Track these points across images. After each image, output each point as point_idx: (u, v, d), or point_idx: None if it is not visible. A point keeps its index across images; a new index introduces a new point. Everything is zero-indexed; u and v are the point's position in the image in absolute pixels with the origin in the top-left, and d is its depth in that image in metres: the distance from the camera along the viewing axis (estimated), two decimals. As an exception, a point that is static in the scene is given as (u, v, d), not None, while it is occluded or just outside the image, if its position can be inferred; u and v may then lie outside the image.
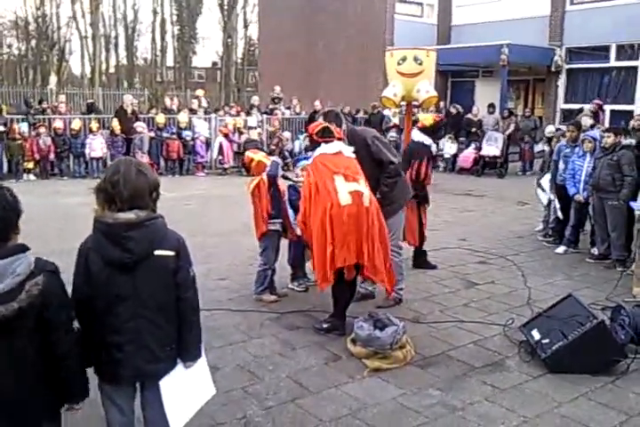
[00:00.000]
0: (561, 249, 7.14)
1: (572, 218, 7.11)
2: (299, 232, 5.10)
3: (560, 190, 7.31)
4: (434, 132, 6.11)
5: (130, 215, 2.35)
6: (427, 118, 6.28)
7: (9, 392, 2.13)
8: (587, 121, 8.87)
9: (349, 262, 4.28)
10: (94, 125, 13.80)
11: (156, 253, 2.38)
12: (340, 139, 4.55)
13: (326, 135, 4.51)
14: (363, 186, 4.35)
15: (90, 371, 2.44)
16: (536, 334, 4.20)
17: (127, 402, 2.56)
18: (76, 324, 2.30)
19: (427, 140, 6.09)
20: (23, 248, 2.15)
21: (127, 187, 2.35)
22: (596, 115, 13.67)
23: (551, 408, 3.48)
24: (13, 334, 2.11)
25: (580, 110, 14.34)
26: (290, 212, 5.24)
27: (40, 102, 15.42)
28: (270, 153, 11.85)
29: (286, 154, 14.88)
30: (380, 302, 5.16)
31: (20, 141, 12.93)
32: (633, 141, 6.83)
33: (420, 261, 6.40)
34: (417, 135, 6.17)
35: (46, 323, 2.17)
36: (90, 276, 2.37)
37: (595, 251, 6.85)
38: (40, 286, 2.11)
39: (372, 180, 4.54)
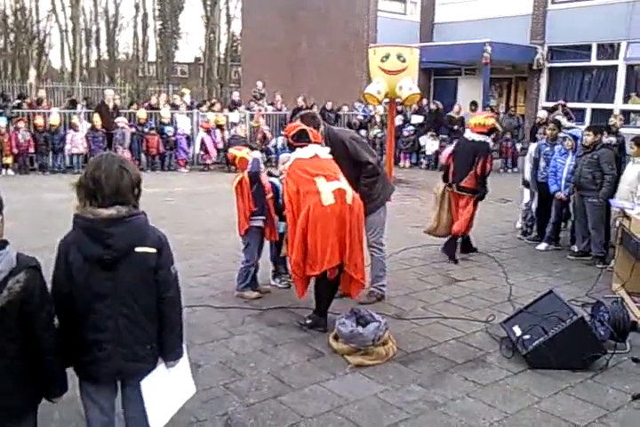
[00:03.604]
0: (542, 246, 7.21)
1: (553, 215, 7.18)
2: (281, 230, 5.12)
3: (541, 188, 7.37)
4: (490, 133, 6.72)
5: (111, 211, 2.31)
6: (483, 122, 6.62)
7: None
8: (563, 119, 9.02)
9: (333, 264, 4.28)
10: (77, 120, 13.61)
11: (137, 249, 2.35)
12: (316, 142, 4.52)
13: (302, 139, 4.48)
14: (345, 183, 4.35)
15: (69, 369, 2.41)
16: (517, 331, 4.24)
17: (108, 400, 2.53)
18: (55, 320, 2.27)
19: (487, 139, 6.60)
20: (2, 244, 2.11)
21: (109, 183, 2.32)
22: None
23: (532, 404, 3.51)
24: None
25: (555, 108, 14.50)
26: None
27: (20, 97, 15.13)
28: (255, 148, 11.81)
29: (271, 149, 14.84)
30: (362, 298, 5.16)
31: (-3, 136, 12.72)
32: (613, 140, 6.91)
33: (467, 246, 6.87)
34: (476, 136, 6.56)
35: (27, 319, 2.15)
36: (70, 272, 2.34)
37: (575, 248, 6.92)
38: (22, 283, 2.09)
39: (351, 179, 4.55)
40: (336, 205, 4.23)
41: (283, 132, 4.78)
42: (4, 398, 2.15)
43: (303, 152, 4.44)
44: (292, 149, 4.58)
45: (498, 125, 6.87)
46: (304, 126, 4.55)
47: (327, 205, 4.20)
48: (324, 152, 4.49)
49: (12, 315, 2.10)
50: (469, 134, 6.67)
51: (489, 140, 6.65)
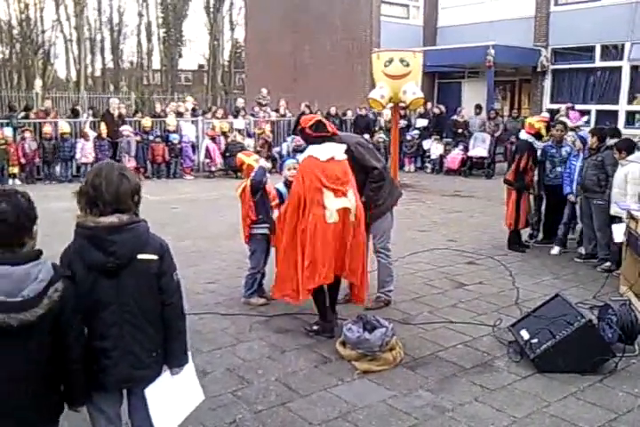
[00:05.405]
0: (555, 250, 7.07)
1: (565, 217, 7.09)
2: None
3: (548, 191, 7.34)
4: (541, 136, 7.28)
5: (112, 219, 2.34)
6: (533, 123, 7.30)
7: (21, 395, 2.13)
8: (567, 120, 9.08)
9: (328, 281, 4.34)
10: (89, 130, 13.68)
11: (139, 256, 2.36)
12: (334, 134, 4.47)
13: (320, 129, 4.40)
14: (351, 198, 4.36)
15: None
16: (525, 334, 4.21)
17: (114, 409, 2.53)
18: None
19: (530, 139, 7.17)
20: (38, 253, 2.16)
21: (109, 190, 2.35)
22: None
23: (540, 408, 3.49)
24: (30, 339, 2.11)
25: (557, 111, 14.49)
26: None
27: (25, 109, 15.18)
28: (257, 154, 11.83)
29: (276, 156, 14.86)
30: (369, 303, 5.15)
31: (4, 146, 12.79)
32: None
33: (513, 242, 7.23)
34: (523, 135, 7.29)
35: (60, 327, 2.18)
36: (74, 281, 2.34)
37: (582, 250, 6.88)
38: (60, 292, 2.13)
39: (357, 184, 4.55)
40: (339, 223, 4.27)
41: (298, 126, 4.72)
42: (36, 404, 2.17)
43: (319, 152, 4.33)
44: (307, 141, 4.50)
45: (544, 132, 7.28)
46: (321, 117, 4.55)
47: (330, 222, 4.24)
48: (340, 152, 4.40)
49: (48, 323, 2.13)
50: (521, 133, 7.44)
51: (532, 139, 7.14)
